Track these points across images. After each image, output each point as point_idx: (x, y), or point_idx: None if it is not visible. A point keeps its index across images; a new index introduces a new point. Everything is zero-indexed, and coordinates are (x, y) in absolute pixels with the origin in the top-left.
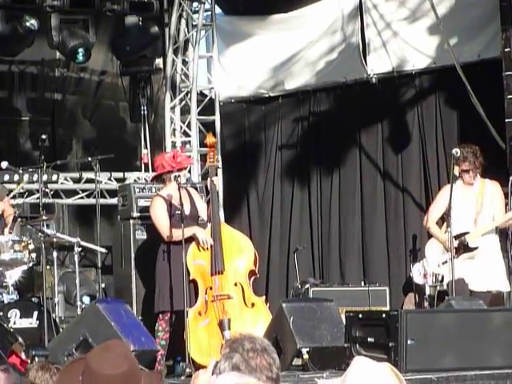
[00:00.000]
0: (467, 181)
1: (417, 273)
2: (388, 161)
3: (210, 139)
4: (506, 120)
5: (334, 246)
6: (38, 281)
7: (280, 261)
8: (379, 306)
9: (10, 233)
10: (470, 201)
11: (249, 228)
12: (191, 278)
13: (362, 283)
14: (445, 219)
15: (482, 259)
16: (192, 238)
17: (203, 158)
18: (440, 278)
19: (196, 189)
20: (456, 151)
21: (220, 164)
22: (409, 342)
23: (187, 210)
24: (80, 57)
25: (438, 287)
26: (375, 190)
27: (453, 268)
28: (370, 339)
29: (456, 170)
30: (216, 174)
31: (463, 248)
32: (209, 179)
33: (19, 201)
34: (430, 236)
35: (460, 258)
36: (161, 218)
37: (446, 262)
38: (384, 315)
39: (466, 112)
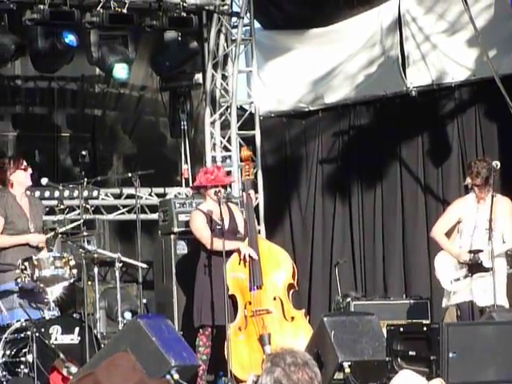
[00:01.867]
0: (478, 195)
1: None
2: (428, 174)
3: (244, 153)
4: None
5: (376, 260)
6: (80, 297)
7: (322, 274)
8: (420, 319)
9: (51, 250)
10: (482, 216)
11: (291, 242)
12: (230, 293)
13: (404, 296)
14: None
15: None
16: (231, 252)
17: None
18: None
19: (236, 204)
20: (496, 163)
21: (260, 177)
22: (450, 354)
23: (227, 225)
24: (119, 73)
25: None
26: (416, 203)
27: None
28: (411, 352)
29: (467, 182)
30: (252, 188)
31: (477, 266)
32: (244, 193)
33: (60, 217)
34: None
35: (474, 276)
36: (201, 229)
37: (458, 279)
38: (425, 328)
39: (505, 124)
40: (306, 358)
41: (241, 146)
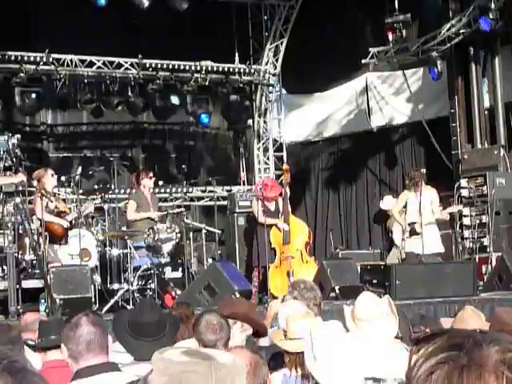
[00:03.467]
0: (415, 188)
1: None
2: (383, 177)
3: (285, 167)
4: (452, 152)
5: (353, 227)
6: (182, 250)
7: (322, 236)
8: (379, 261)
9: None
10: (417, 201)
11: (306, 217)
12: (272, 246)
13: (370, 248)
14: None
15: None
16: (272, 225)
17: (278, 177)
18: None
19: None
20: (423, 170)
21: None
22: (397, 282)
23: (272, 208)
24: (204, 120)
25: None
26: (374, 194)
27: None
28: (374, 281)
29: (407, 181)
30: (288, 186)
31: (413, 231)
32: (283, 189)
33: (170, 203)
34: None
35: (412, 237)
36: (255, 210)
37: (403, 239)
38: (382, 267)
39: (429, 147)
40: (312, 284)
41: (278, 162)
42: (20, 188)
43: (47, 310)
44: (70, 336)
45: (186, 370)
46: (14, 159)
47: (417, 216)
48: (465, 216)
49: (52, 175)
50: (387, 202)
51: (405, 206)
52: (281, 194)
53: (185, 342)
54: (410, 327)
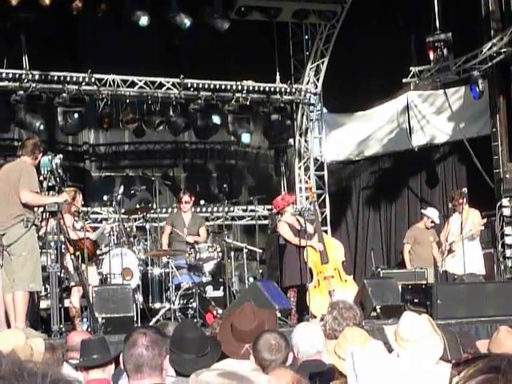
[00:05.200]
0: (457, 209)
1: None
2: (424, 196)
3: (308, 184)
4: (494, 171)
5: (394, 247)
6: (223, 269)
7: (362, 255)
8: (420, 281)
9: (196, 242)
10: (458, 221)
11: (347, 237)
12: (309, 266)
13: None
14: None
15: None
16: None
17: (319, 196)
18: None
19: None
20: (464, 190)
21: (327, 199)
22: (438, 301)
23: (297, 227)
24: (245, 139)
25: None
26: (416, 214)
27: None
28: (415, 300)
29: (450, 205)
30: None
31: (451, 250)
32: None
33: (211, 222)
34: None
35: (449, 256)
36: (286, 233)
37: (443, 259)
38: (423, 286)
39: (471, 166)
40: (351, 304)
41: (317, 182)
42: (61, 208)
43: (89, 329)
44: (125, 352)
45: None
46: (57, 179)
47: (457, 236)
48: (507, 235)
49: (81, 200)
50: (430, 211)
51: None
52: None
53: (243, 361)
54: (461, 349)
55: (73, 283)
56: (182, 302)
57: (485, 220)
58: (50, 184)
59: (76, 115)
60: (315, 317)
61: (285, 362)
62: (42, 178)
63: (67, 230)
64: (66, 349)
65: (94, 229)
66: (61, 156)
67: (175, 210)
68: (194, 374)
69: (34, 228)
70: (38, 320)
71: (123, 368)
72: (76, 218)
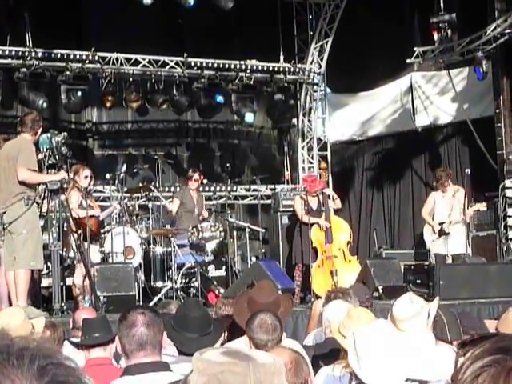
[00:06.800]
0: (442, 189)
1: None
2: (427, 176)
3: (323, 165)
4: (497, 152)
5: (397, 227)
6: (226, 248)
7: (365, 235)
8: (422, 261)
9: (205, 219)
10: (444, 201)
11: (349, 216)
12: (313, 245)
13: (413, 247)
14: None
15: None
16: (313, 223)
17: (320, 176)
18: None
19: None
20: (468, 170)
21: (331, 179)
22: (441, 282)
23: (314, 207)
24: (249, 119)
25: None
26: (420, 195)
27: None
28: (417, 281)
29: (435, 183)
30: (327, 185)
31: (443, 232)
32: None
33: (214, 202)
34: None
35: (441, 237)
36: (298, 208)
37: (434, 240)
38: (426, 267)
39: (473, 147)
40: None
41: (319, 161)
42: (64, 185)
43: (90, 307)
44: (124, 334)
45: (224, 370)
46: (57, 157)
47: (445, 216)
48: (509, 217)
49: (86, 177)
50: None
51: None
52: (323, 188)
53: (236, 340)
54: (461, 330)
55: (76, 261)
56: (183, 281)
57: (484, 204)
58: (49, 162)
59: (79, 93)
60: (319, 297)
61: (279, 343)
62: (41, 156)
63: (70, 208)
64: (72, 327)
65: (103, 208)
66: (65, 134)
67: (180, 187)
68: (197, 352)
69: (35, 206)
70: (39, 298)
71: (121, 349)
72: (83, 196)
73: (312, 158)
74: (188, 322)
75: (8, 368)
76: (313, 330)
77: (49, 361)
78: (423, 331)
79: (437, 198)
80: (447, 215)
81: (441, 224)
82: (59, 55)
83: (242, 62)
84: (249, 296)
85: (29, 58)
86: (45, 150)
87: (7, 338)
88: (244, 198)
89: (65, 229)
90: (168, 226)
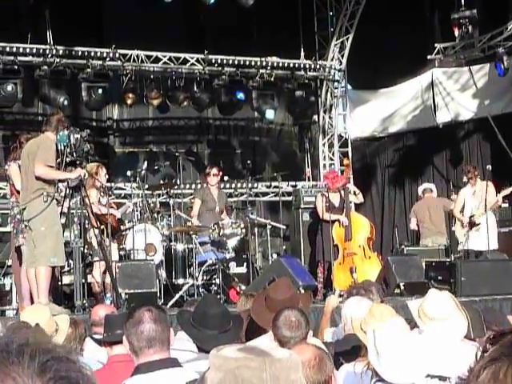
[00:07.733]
0: (472, 183)
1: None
2: (449, 173)
3: (345, 161)
4: None
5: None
6: (247, 245)
7: (388, 232)
8: (444, 257)
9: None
10: (473, 196)
11: (372, 213)
12: (335, 243)
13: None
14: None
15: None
16: (334, 220)
17: (342, 173)
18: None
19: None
20: (489, 166)
21: (351, 175)
22: (462, 279)
23: (337, 203)
24: (269, 116)
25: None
26: (441, 191)
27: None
28: (439, 277)
29: (465, 179)
30: (348, 181)
31: (473, 224)
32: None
33: (235, 198)
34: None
35: (473, 230)
36: (319, 206)
37: (465, 234)
38: (447, 263)
39: (494, 143)
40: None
41: (341, 158)
42: (84, 183)
43: (112, 305)
44: (131, 331)
45: (240, 365)
46: (75, 154)
47: (474, 210)
48: None
49: (105, 175)
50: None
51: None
52: (345, 184)
53: (263, 336)
54: (485, 327)
55: (96, 258)
56: (205, 277)
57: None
58: (67, 160)
59: (100, 90)
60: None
61: (305, 340)
62: (59, 153)
63: (91, 205)
64: (91, 323)
65: (118, 205)
66: (87, 131)
67: (201, 186)
68: (214, 349)
69: (54, 203)
70: (60, 295)
71: (130, 348)
72: (102, 194)
73: (333, 154)
74: (207, 319)
75: (9, 366)
76: (326, 326)
77: (49, 356)
78: (449, 332)
79: (466, 194)
80: (477, 209)
81: (471, 217)
82: (80, 53)
83: (263, 59)
84: (266, 294)
85: (50, 55)
86: (62, 147)
87: (6, 335)
88: (265, 194)
89: (86, 226)
90: (189, 223)
